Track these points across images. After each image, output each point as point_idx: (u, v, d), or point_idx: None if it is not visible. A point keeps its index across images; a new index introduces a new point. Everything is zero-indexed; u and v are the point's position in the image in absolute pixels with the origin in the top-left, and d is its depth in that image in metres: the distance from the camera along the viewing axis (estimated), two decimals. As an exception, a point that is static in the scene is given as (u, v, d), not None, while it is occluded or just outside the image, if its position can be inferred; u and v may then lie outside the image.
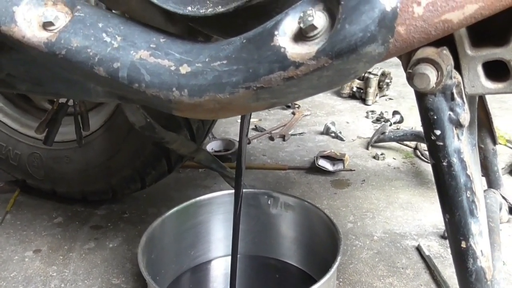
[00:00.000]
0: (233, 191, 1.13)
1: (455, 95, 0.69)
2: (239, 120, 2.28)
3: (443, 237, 1.40)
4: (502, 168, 1.69)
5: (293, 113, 2.35)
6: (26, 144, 1.57)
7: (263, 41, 0.60)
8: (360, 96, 2.47)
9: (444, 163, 0.72)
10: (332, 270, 0.95)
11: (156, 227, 1.13)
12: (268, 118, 2.30)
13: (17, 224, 1.53)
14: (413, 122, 2.15)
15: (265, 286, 1.25)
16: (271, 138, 2.09)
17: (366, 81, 2.42)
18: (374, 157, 1.89)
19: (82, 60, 0.73)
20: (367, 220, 1.50)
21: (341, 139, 2.05)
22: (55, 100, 1.35)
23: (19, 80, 0.96)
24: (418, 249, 1.36)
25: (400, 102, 2.44)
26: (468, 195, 0.73)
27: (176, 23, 0.88)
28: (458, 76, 0.69)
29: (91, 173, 1.50)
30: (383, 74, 2.45)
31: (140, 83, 0.69)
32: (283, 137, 2.09)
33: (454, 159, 0.71)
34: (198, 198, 1.22)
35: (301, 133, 2.14)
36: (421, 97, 0.70)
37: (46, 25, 0.73)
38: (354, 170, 1.79)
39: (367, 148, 1.96)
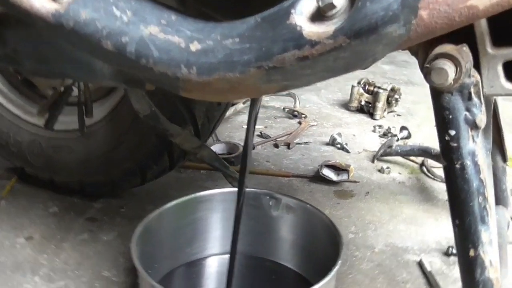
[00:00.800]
0: (234, 189, 1.10)
1: (473, 95, 0.66)
2: (244, 126, 2.27)
3: (446, 254, 1.36)
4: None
5: (300, 123, 2.32)
6: (28, 131, 1.55)
7: (279, 20, 0.58)
8: (368, 110, 2.44)
9: (457, 166, 0.69)
10: (332, 273, 0.91)
11: (153, 219, 1.10)
12: (274, 126, 2.27)
13: (11, 211, 1.50)
14: (421, 139, 2.12)
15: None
16: (276, 146, 2.06)
17: (375, 95, 2.39)
18: (379, 171, 1.85)
19: (90, 33, 0.71)
20: (369, 232, 1.47)
21: (347, 151, 2.02)
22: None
23: (24, 57, 0.95)
24: (420, 265, 1.32)
25: (408, 119, 2.41)
26: (480, 201, 0.70)
27: (189, 7, 0.87)
28: (476, 75, 0.67)
29: (91, 164, 1.47)
30: (393, 90, 2.42)
31: (148, 59, 0.67)
32: (288, 145, 2.06)
33: (468, 162, 0.68)
34: (198, 194, 1.20)
35: (307, 142, 2.11)
36: (437, 95, 0.68)
37: (56, -4, 0.72)
38: (358, 181, 1.76)
39: (372, 161, 1.93)
